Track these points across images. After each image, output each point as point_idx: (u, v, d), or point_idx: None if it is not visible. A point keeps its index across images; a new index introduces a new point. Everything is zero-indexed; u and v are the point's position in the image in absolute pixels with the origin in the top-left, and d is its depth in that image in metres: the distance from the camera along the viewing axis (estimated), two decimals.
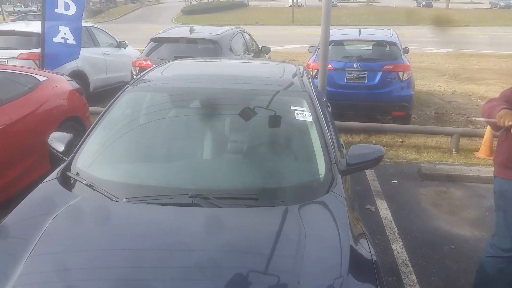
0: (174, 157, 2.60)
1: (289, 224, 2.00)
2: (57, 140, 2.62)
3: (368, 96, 6.69)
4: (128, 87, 2.96)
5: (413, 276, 3.07)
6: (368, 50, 7.24)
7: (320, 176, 2.34)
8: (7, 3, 49.24)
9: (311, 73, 6.69)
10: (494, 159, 2.60)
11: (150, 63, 6.50)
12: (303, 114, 2.65)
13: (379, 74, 6.66)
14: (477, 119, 3.04)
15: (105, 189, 2.16)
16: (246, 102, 2.76)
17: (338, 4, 53.02)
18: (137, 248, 1.83)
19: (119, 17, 46.02)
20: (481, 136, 5.76)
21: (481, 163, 5.29)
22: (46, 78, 4.67)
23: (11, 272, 1.68)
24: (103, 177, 2.31)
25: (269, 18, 41.48)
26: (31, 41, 7.03)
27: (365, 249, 1.94)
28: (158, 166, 2.53)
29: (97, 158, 2.52)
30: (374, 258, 1.90)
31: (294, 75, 3.13)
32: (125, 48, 9.56)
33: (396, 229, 3.74)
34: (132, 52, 9.72)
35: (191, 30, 7.22)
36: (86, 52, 7.97)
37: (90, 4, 47.99)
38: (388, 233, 3.66)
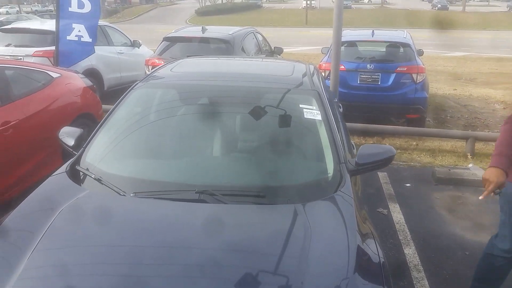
0: (181, 153, 2.59)
1: (294, 223, 1.97)
2: (68, 135, 2.65)
3: (381, 98, 6.60)
4: (138, 83, 2.97)
5: (425, 282, 3.00)
6: (382, 51, 7.16)
7: (329, 175, 2.31)
8: (24, 3, 50.02)
9: (323, 74, 6.64)
10: None
11: (162, 62, 6.51)
12: (312, 112, 2.61)
13: (393, 76, 6.57)
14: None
15: (113, 183, 2.17)
16: (254, 100, 2.74)
17: (352, 6, 52.78)
18: (141, 242, 1.83)
19: (134, 18, 46.42)
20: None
21: None
22: (59, 75, 4.69)
23: (16, 264, 1.67)
24: (111, 172, 2.32)
25: (283, 19, 41.44)
26: (46, 39, 7.10)
27: (373, 250, 1.90)
28: (166, 162, 2.52)
29: (106, 153, 2.53)
30: (382, 259, 1.86)
31: (304, 74, 3.09)
32: (138, 48, 9.60)
33: (408, 233, 3.66)
34: (146, 51, 9.76)
35: (203, 30, 7.22)
36: (100, 51, 8.01)
37: (106, 4, 48.45)
38: (400, 237, 3.59)
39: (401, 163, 5.37)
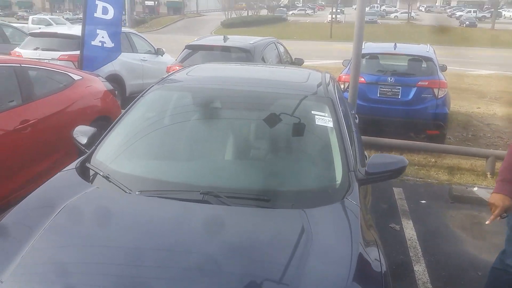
0: (190, 155, 2.62)
1: (295, 228, 1.95)
2: (81, 134, 2.73)
3: (401, 112, 6.51)
4: (153, 86, 3.02)
5: None
6: (403, 65, 7.07)
7: (336, 182, 2.29)
8: (57, 11, 51.65)
9: (342, 86, 6.60)
10: None
11: None
12: (323, 119, 2.61)
13: (413, 90, 6.48)
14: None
15: (120, 181, 2.21)
16: (266, 105, 2.76)
17: (378, 21, 52.52)
18: (139, 239, 1.85)
19: (161, 28, 47.33)
20: None
21: None
22: (81, 77, 4.80)
23: (14, 257, 1.70)
24: (120, 170, 2.37)
25: (307, 33, 41.52)
26: (72, 44, 7.29)
27: (375, 259, 1.87)
28: (173, 163, 2.55)
29: (116, 152, 2.58)
30: (384, 269, 1.82)
31: (319, 82, 3.09)
32: (162, 56, 9.77)
33: (420, 250, 3.57)
34: (169, 59, 9.90)
35: (225, 39, 7.30)
36: (124, 57, 8.19)
37: (134, 14, 49.67)
38: (411, 254, 3.50)
39: (417, 179, 5.27)
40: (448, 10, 71.99)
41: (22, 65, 4.01)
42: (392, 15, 64.38)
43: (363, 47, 7.08)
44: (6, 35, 9.54)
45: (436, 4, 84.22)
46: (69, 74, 4.70)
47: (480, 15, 60.18)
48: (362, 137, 5.28)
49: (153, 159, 2.59)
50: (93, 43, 6.67)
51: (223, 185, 2.23)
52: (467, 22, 50.48)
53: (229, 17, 55.02)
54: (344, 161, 2.37)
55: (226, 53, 7.13)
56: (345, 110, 3.31)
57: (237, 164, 2.54)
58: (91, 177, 2.33)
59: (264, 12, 62.28)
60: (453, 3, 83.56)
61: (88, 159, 2.49)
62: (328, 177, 2.38)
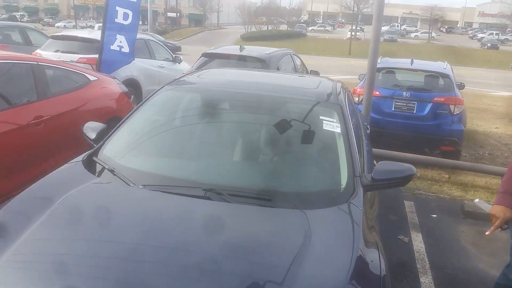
0: (195, 153, 2.63)
1: (295, 228, 1.94)
2: (91, 129, 2.77)
3: (415, 127, 6.43)
4: (164, 86, 3.05)
5: None
6: (420, 80, 7.02)
7: (341, 186, 2.26)
8: (81, 19, 52.99)
9: (357, 99, 6.57)
10: None
11: None
12: (331, 124, 2.60)
13: (429, 106, 6.41)
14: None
15: (125, 175, 2.23)
16: (274, 108, 2.77)
17: (398, 40, 52.42)
18: (136, 231, 1.85)
19: (182, 39, 48.03)
20: None
21: None
22: (96, 78, 4.88)
23: (11, 243, 1.72)
24: (125, 165, 2.38)
25: (326, 49, 41.62)
26: (91, 47, 7.44)
27: (375, 262, 1.82)
28: (178, 159, 2.57)
29: (123, 147, 2.61)
30: (384, 273, 1.78)
31: (329, 89, 3.09)
32: (179, 63, 9.91)
33: (427, 263, 3.49)
34: (186, 67, 10.03)
35: (241, 48, 7.36)
36: (142, 62, 8.34)
37: (156, 24, 50.59)
38: (418, 266, 3.42)
39: (430, 194, 5.17)
40: (470, 32, 71.52)
41: (39, 63, 4.10)
42: (413, 35, 64.22)
43: (379, 62, 7.10)
44: (30, 38, 9.79)
45: (458, 25, 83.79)
46: (85, 74, 4.78)
47: (502, 37, 59.60)
48: (375, 149, 5.23)
49: (158, 156, 2.61)
50: (111, 47, 6.82)
51: (226, 183, 2.24)
52: (488, 44, 50.03)
53: (248, 30, 55.60)
54: (350, 166, 2.35)
55: (242, 62, 7.17)
56: (356, 120, 3.30)
57: (241, 164, 2.55)
58: (96, 170, 2.36)
59: (283, 27, 62.79)
60: (475, 25, 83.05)
61: (95, 153, 2.52)
62: (332, 181, 2.36)
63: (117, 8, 6.73)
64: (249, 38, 48.98)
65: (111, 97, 5.00)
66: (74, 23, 47.94)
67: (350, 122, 2.68)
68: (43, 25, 42.18)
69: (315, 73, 8.71)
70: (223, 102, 2.94)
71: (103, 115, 4.68)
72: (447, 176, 5.97)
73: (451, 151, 6.44)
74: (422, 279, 3.22)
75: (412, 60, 7.22)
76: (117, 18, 6.73)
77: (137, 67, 8.08)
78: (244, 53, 7.24)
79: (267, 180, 2.33)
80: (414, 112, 6.47)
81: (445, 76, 6.76)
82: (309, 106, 2.79)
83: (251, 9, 66.07)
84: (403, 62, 7.42)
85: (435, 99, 6.41)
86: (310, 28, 66.88)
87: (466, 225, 4.35)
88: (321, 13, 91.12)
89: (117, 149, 2.56)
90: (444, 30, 74.56)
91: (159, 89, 3.03)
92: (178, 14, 72.29)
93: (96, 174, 2.31)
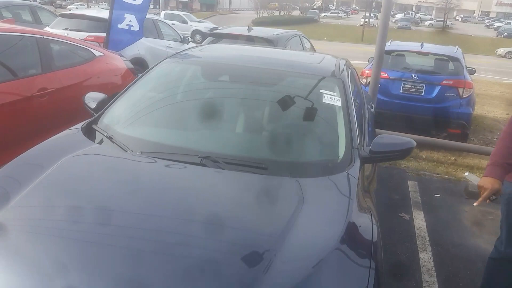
0: (193, 123, 2.63)
1: (288, 194, 1.95)
2: (92, 99, 2.79)
3: (423, 110, 6.36)
4: (165, 59, 3.05)
5: (436, 286, 2.83)
6: (429, 63, 6.92)
7: (338, 157, 2.26)
8: (93, 2, 53.02)
9: (364, 80, 6.52)
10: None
11: None
12: (332, 98, 2.59)
13: (438, 88, 6.32)
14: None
15: (123, 142, 2.24)
16: (275, 81, 2.75)
17: (412, 28, 51.57)
18: (132, 193, 1.88)
19: None
20: None
21: None
22: (102, 54, 4.89)
23: (3, 204, 1.73)
24: (124, 133, 2.40)
25: (338, 34, 41.12)
26: (99, 26, 7.46)
27: (367, 227, 1.83)
28: (176, 129, 2.58)
29: (122, 116, 2.62)
30: (375, 239, 1.78)
31: (332, 64, 3.08)
32: (187, 44, 9.87)
33: (428, 239, 3.48)
34: None
35: (249, 29, 7.31)
36: (149, 42, 8.34)
37: (168, 8, 50.28)
38: (418, 242, 3.42)
39: (434, 174, 5.14)
40: (486, 21, 70.04)
41: (44, 36, 4.12)
42: (427, 23, 63.07)
43: (389, 44, 7.00)
44: (40, 17, 9.84)
45: (474, 14, 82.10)
46: (91, 50, 4.79)
47: None
48: (382, 131, 5.19)
49: (157, 125, 2.62)
50: (120, 26, 6.83)
51: (223, 152, 2.24)
52: (505, 33, 49.00)
53: (260, 15, 55.14)
54: (348, 138, 2.35)
55: (250, 43, 7.11)
56: (360, 99, 3.28)
57: (238, 134, 2.55)
58: (95, 137, 2.37)
59: (296, 13, 62.10)
60: (492, 15, 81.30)
61: (94, 122, 2.54)
62: (330, 152, 2.37)
63: None
64: (260, 23, 48.54)
65: (116, 72, 5.02)
66: (86, 6, 47.95)
67: (351, 97, 2.67)
68: (55, 7, 42.22)
69: None
70: (224, 74, 2.94)
71: (107, 90, 4.66)
72: (453, 158, 5.92)
73: (458, 134, 6.38)
74: (421, 255, 3.22)
75: (422, 44, 7.12)
76: None
77: (145, 46, 8.08)
78: (252, 33, 7.19)
79: (264, 149, 2.34)
80: (422, 94, 6.40)
81: (455, 59, 6.65)
82: (310, 80, 2.78)
83: None
84: (413, 45, 7.32)
85: (443, 81, 6.32)
86: (323, 14, 66.05)
87: (469, 205, 4.31)
88: (335, 0, 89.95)
89: (116, 118, 2.58)
90: (459, 19, 73.11)
91: (160, 61, 3.03)
92: None
93: (95, 141, 2.32)
